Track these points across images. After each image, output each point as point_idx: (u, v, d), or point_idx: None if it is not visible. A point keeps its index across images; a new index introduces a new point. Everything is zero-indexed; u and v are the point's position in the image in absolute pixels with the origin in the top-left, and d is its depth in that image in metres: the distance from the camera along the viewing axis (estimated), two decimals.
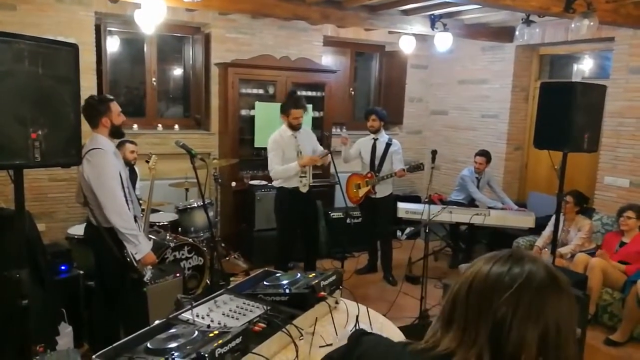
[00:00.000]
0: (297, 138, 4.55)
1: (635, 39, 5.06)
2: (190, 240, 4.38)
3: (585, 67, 6.19)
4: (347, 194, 5.24)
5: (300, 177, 4.57)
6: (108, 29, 5.58)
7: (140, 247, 3.06)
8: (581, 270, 4.32)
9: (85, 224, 3.29)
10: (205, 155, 5.03)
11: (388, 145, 5.17)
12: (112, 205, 2.94)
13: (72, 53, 2.04)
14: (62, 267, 3.50)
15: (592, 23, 3.99)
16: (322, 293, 2.16)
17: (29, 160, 1.89)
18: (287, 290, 2.16)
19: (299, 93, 5.92)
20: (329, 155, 4.65)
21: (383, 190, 5.18)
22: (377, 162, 5.18)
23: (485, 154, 5.86)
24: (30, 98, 1.88)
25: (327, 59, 6.89)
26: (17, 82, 1.84)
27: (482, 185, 5.90)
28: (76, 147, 2.06)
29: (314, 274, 2.37)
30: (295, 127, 4.51)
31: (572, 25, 4.04)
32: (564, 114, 3.52)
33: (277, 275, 2.41)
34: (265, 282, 2.32)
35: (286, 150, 4.51)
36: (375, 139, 5.21)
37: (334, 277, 2.32)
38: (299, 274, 2.35)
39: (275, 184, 4.68)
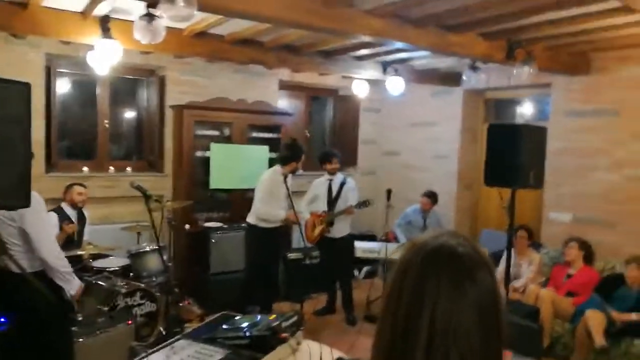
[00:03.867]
0: (286, 183, 4.76)
1: (570, 84, 5.46)
2: (143, 285, 4.22)
3: (526, 110, 6.57)
4: (306, 234, 5.24)
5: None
6: (58, 70, 5.47)
7: (74, 283, 3.15)
8: (532, 302, 4.46)
9: None
10: (159, 197, 4.92)
11: (342, 184, 5.27)
12: (48, 246, 2.95)
13: (23, 92, 1.97)
14: (1, 319, 3.26)
15: (531, 70, 4.28)
16: (284, 335, 2.13)
17: None
18: (248, 333, 2.11)
19: (252, 135, 6.04)
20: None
21: (341, 230, 5.22)
22: (332, 202, 5.24)
23: (430, 195, 6.01)
24: None
25: (283, 102, 7.00)
26: None
27: (430, 225, 6.00)
28: (25, 189, 1.97)
29: (274, 316, 2.32)
30: (293, 173, 4.85)
31: (514, 72, 4.32)
32: (511, 153, 3.70)
33: (236, 318, 2.35)
34: (224, 326, 2.25)
35: (277, 192, 4.78)
36: (331, 180, 5.30)
37: (295, 318, 2.28)
38: (258, 316, 2.30)
39: (250, 220, 4.83)
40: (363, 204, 5.12)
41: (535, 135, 3.91)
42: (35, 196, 2.80)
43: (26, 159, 1.98)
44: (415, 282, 0.89)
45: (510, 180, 3.80)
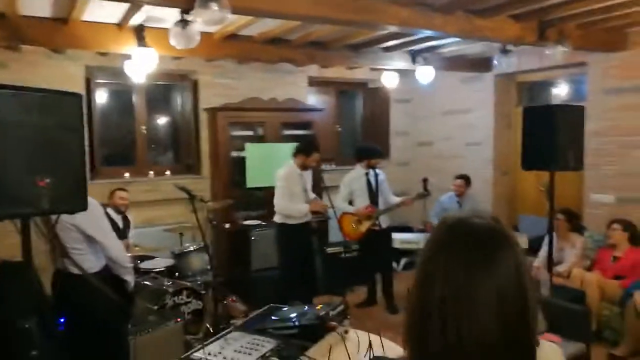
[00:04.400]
0: (303, 177, 4.75)
1: (607, 62, 5.31)
2: (189, 284, 4.35)
3: (561, 91, 6.43)
4: (344, 232, 5.22)
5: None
6: (97, 81, 5.69)
7: (133, 275, 3.35)
8: (578, 286, 4.38)
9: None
10: (203, 197, 5.07)
11: (376, 176, 5.28)
12: (114, 244, 3.11)
13: (76, 102, 2.10)
14: (61, 320, 3.44)
15: (565, 49, 4.19)
16: (332, 323, 2.18)
17: (37, 209, 1.92)
18: (297, 323, 2.17)
19: (285, 133, 6.11)
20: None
21: (384, 221, 5.25)
22: (375, 195, 5.24)
23: (463, 177, 5.96)
24: (38, 147, 1.92)
25: (313, 99, 7.06)
26: (25, 132, 1.89)
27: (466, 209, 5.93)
28: (82, 193, 2.10)
29: (321, 305, 2.38)
30: (307, 168, 4.76)
31: (547, 52, 4.24)
32: (548, 136, 3.65)
33: (284, 309, 2.42)
34: (273, 317, 2.32)
35: (293, 187, 4.70)
36: (367, 173, 5.29)
37: (341, 307, 2.34)
38: (306, 307, 2.37)
39: (276, 219, 4.79)
40: (422, 194, 5.12)
41: (571, 115, 3.84)
42: (92, 200, 2.94)
43: (81, 165, 2.10)
44: (429, 258, 0.89)
45: (549, 163, 3.75)
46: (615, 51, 5.17)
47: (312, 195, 4.94)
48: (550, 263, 4.04)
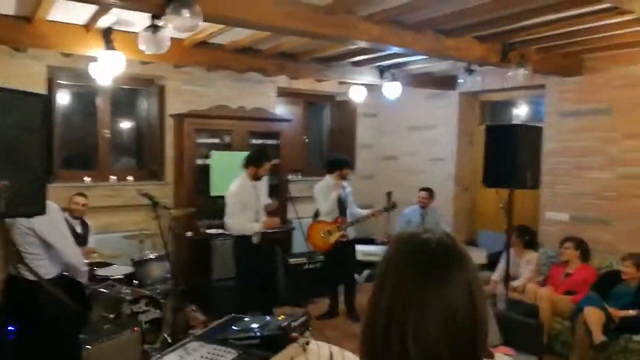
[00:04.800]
0: (256, 187, 4.70)
1: (563, 85, 5.55)
2: (148, 292, 4.25)
3: (521, 111, 6.67)
4: (311, 242, 5.23)
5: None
6: (59, 81, 5.54)
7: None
8: (532, 301, 4.53)
9: None
10: (166, 204, 4.98)
11: (344, 188, 5.33)
12: (72, 251, 3.05)
13: (39, 103, 2.05)
14: (11, 328, 3.30)
15: (526, 72, 4.37)
16: (294, 334, 2.18)
17: None
18: (259, 333, 2.16)
19: (252, 142, 6.09)
20: (274, 202, 4.90)
21: (351, 233, 5.29)
22: (343, 207, 5.28)
23: (427, 189, 6.13)
24: None
25: (281, 109, 7.08)
26: None
27: (429, 224, 6.07)
28: (41, 197, 2.04)
29: (283, 316, 2.38)
30: (259, 178, 4.67)
31: (509, 74, 4.41)
32: (509, 154, 3.80)
33: (246, 319, 2.41)
34: (234, 327, 2.30)
35: (247, 200, 4.62)
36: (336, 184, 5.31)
37: (303, 319, 2.34)
38: (267, 317, 2.36)
39: (233, 233, 4.74)
40: (392, 206, 5.17)
41: (531, 135, 4.01)
42: (51, 204, 2.85)
43: (41, 168, 2.04)
44: (382, 270, 0.90)
45: (508, 181, 3.90)
46: (572, 75, 5.42)
47: (268, 201, 4.92)
48: (507, 278, 4.17)
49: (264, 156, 4.70)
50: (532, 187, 4.04)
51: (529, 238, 5.18)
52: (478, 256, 5.50)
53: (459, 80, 5.51)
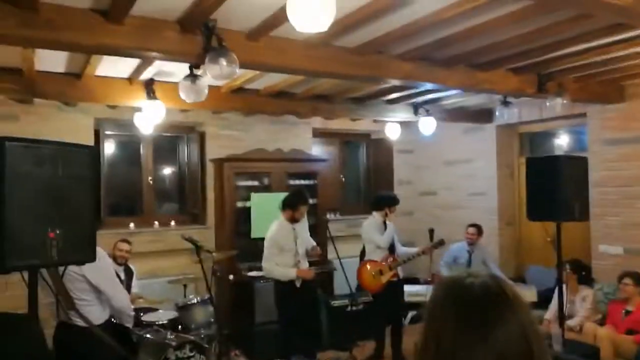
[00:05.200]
0: (296, 230, 4.67)
1: (605, 113, 5.41)
2: (192, 338, 4.25)
3: (562, 141, 6.51)
4: (362, 283, 5.09)
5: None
6: (106, 132, 5.80)
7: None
8: (591, 341, 4.27)
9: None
10: (209, 248, 5.04)
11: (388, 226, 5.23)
12: (121, 296, 3.15)
13: (88, 154, 2.14)
14: None
15: (565, 101, 4.29)
16: None
17: (46, 260, 1.92)
18: None
19: (290, 183, 6.14)
20: (318, 248, 4.78)
21: (400, 273, 5.17)
22: (392, 245, 5.14)
23: (475, 226, 5.94)
24: (49, 199, 1.95)
25: (317, 149, 7.16)
26: (37, 183, 1.92)
27: (476, 262, 5.86)
28: (91, 244, 2.10)
29: None
30: (297, 221, 4.64)
31: (547, 104, 4.34)
32: (552, 186, 3.67)
33: None
34: None
35: (284, 243, 4.60)
36: (384, 222, 5.17)
37: None
38: None
39: (270, 277, 4.73)
40: (439, 243, 5.03)
41: (575, 165, 3.88)
42: (99, 251, 2.94)
43: (91, 217, 2.11)
44: (427, 316, 0.87)
45: (554, 214, 3.75)
46: (613, 102, 5.28)
47: (312, 243, 4.87)
48: (562, 317, 3.96)
49: (300, 199, 4.67)
50: (581, 219, 3.87)
51: (582, 273, 4.93)
52: (528, 294, 5.25)
53: (495, 113, 5.44)
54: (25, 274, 2.04)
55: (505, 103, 5.12)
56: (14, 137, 1.91)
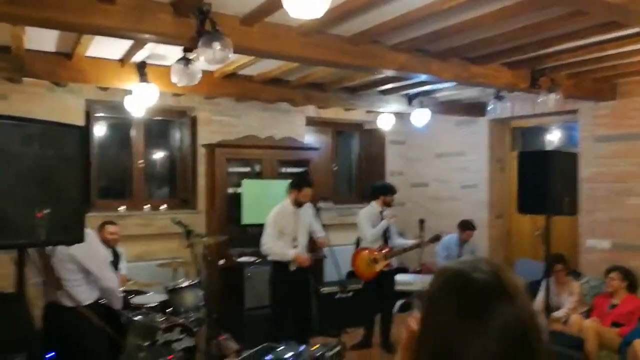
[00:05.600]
0: (298, 215, 4.71)
1: (597, 110, 5.44)
2: (182, 321, 4.26)
3: (554, 137, 6.55)
4: (356, 270, 5.15)
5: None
6: (96, 114, 5.75)
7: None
8: (576, 333, 4.33)
9: None
10: (199, 232, 5.03)
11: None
12: (109, 276, 3.12)
13: (77, 135, 2.12)
14: (50, 354, 3.35)
15: (557, 97, 4.31)
16: None
17: (34, 240, 1.90)
18: None
19: (282, 171, 6.14)
20: (326, 239, 4.79)
21: (393, 263, 5.21)
22: (386, 235, 5.20)
23: (472, 227, 5.98)
24: (37, 178, 1.93)
25: (310, 138, 7.15)
26: (25, 163, 1.90)
27: (465, 254, 5.96)
28: (79, 225, 2.09)
29: (317, 346, 2.35)
30: (300, 204, 4.69)
31: (539, 100, 4.36)
32: (543, 180, 3.70)
33: (280, 348, 2.39)
34: (268, 357, 2.29)
35: (286, 226, 4.66)
36: (382, 211, 5.24)
37: (338, 348, 2.31)
38: (301, 347, 2.34)
39: (269, 257, 4.76)
40: (435, 238, 5.06)
41: (566, 161, 3.91)
42: (88, 231, 2.93)
43: (80, 197, 2.10)
44: (426, 310, 0.87)
45: (544, 208, 3.78)
46: (605, 100, 5.31)
47: (322, 233, 4.88)
48: (548, 309, 4.01)
49: (305, 181, 4.75)
50: (570, 213, 3.91)
51: (568, 267, 4.99)
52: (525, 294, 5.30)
53: (488, 107, 5.45)
54: (14, 254, 2.03)
55: (499, 97, 5.13)
56: (1, 114, 1.89)
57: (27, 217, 1.88)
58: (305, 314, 4.87)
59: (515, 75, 4.52)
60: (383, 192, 5.31)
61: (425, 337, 0.85)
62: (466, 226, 5.96)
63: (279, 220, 4.65)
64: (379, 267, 5.09)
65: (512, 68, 4.49)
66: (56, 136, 2.01)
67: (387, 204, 5.27)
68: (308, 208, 4.89)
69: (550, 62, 4.32)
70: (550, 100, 4.35)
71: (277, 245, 4.64)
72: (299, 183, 4.73)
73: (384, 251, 5.12)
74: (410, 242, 5.30)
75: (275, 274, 4.77)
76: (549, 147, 6.36)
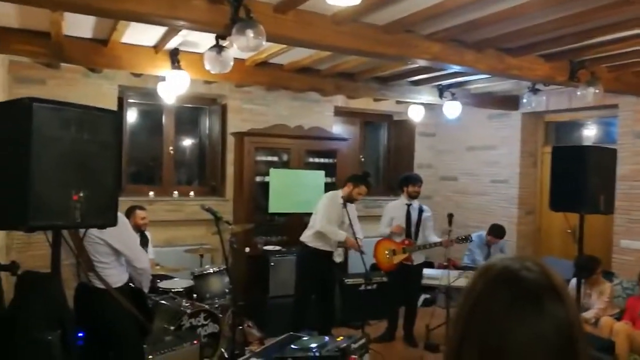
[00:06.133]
0: (345, 209, 4.73)
1: (638, 104, 5.24)
2: (207, 307, 4.32)
3: (590, 132, 6.35)
4: (376, 259, 5.14)
5: (339, 245, 4.80)
6: (129, 100, 5.83)
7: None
8: (606, 335, 4.22)
9: None
10: (228, 220, 5.08)
11: (420, 211, 5.20)
12: (141, 256, 3.18)
13: (113, 119, 2.15)
14: (81, 334, 3.44)
15: (597, 91, 4.16)
16: (353, 356, 2.14)
17: (70, 222, 1.94)
18: (317, 353, 2.14)
19: (310, 161, 6.14)
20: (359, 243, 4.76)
21: (418, 258, 5.16)
22: (413, 229, 5.14)
23: (500, 234, 5.91)
24: (74, 162, 1.96)
25: (338, 128, 7.11)
26: (63, 146, 1.93)
27: (494, 253, 5.88)
28: (113, 209, 2.12)
29: (341, 337, 2.34)
30: (351, 200, 4.74)
31: (578, 93, 4.21)
32: (578, 177, 3.58)
33: (304, 338, 2.39)
34: (292, 346, 2.29)
35: (333, 214, 4.73)
36: (409, 205, 5.20)
37: (363, 341, 2.30)
38: (326, 337, 2.33)
39: (305, 239, 4.81)
40: (465, 239, 5.00)
41: (604, 157, 3.77)
42: (120, 216, 2.98)
43: (114, 181, 2.13)
44: (471, 306, 0.85)
45: (578, 205, 3.67)
46: None
47: (360, 235, 4.83)
48: (579, 309, 3.91)
49: (364, 179, 4.78)
50: (606, 212, 3.77)
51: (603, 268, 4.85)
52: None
53: (522, 100, 5.30)
54: (49, 235, 2.08)
55: (534, 90, 4.99)
56: (41, 98, 1.92)
57: (64, 199, 1.91)
58: (328, 305, 4.88)
59: (553, 67, 4.39)
60: (405, 183, 5.27)
61: (471, 333, 0.83)
62: (497, 234, 5.88)
63: (330, 207, 4.72)
64: (397, 259, 5.07)
65: (550, 60, 4.35)
66: (92, 120, 2.03)
67: (411, 196, 5.21)
68: (353, 207, 4.87)
69: (591, 54, 4.17)
70: (589, 94, 4.20)
71: (332, 225, 4.68)
72: (358, 179, 4.78)
73: (405, 243, 5.08)
74: (436, 239, 5.20)
75: (304, 257, 4.79)
76: (584, 143, 6.17)
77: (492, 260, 0.91)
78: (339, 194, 4.78)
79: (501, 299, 0.82)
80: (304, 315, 4.73)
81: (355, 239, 4.69)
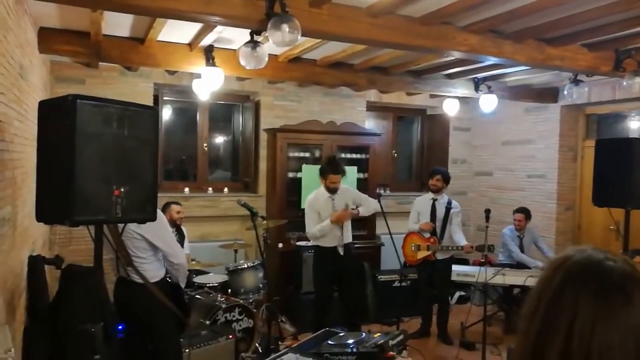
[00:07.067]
0: (334, 200, 4.68)
1: None
2: (242, 301, 4.36)
3: (635, 125, 6.10)
4: (403, 251, 5.13)
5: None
6: (164, 98, 5.93)
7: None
8: None
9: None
10: (263, 215, 5.11)
11: (448, 208, 5.12)
12: (178, 252, 3.20)
13: (152, 116, 2.17)
14: (120, 327, 3.52)
15: None
16: (391, 353, 2.11)
17: (111, 217, 1.97)
18: (354, 349, 2.11)
19: (342, 156, 6.10)
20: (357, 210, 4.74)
21: (444, 253, 5.10)
22: (438, 225, 5.08)
23: (522, 211, 5.76)
24: (115, 157, 1.99)
25: (370, 123, 7.05)
26: (105, 142, 1.96)
27: (527, 245, 5.73)
28: (152, 204, 2.15)
29: (379, 334, 2.32)
30: (332, 191, 4.66)
31: (624, 84, 4.05)
32: (624, 171, 3.45)
33: (341, 334, 2.37)
34: (329, 342, 2.28)
35: (322, 211, 4.66)
36: (435, 199, 5.14)
37: (401, 337, 2.26)
38: (363, 334, 2.31)
39: (314, 243, 4.82)
40: (488, 248, 4.89)
41: None
42: (157, 211, 3.03)
43: (153, 177, 2.15)
44: (552, 297, 0.82)
45: (624, 200, 3.54)
46: None
47: (363, 208, 4.82)
48: None
49: (329, 168, 4.66)
50: None
51: None
52: None
53: (564, 92, 5.13)
54: (92, 230, 2.12)
55: (576, 81, 4.81)
56: (85, 95, 1.96)
57: (106, 194, 1.95)
58: (355, 301, 4.86)
59: (597, 57, 4.22)
60: (429, 175, 5.24)
61: (553, 327, 0.80)
62: (526, 213, 5.71)
63: (314, 204, 4.68)
64: (421, 255, 5.06)
65: (593, 49, 4.19)
66: (132, 117, 2.06)
67: (431, 189, 5.17)
68: (348, 191, 4.83)
69: (637, 42, 3.99)
70: (636, 85, 4.03)
71: (317, 226, 4.63)
72: (322, 171, 4.70)
73: (431, 240, 5.05)
74: (460, 243, 5.04)
75: (314, 257, 4.81)
76: (629, 136, 5.93)
77: (567, 251, 0.88)
78: (320, 191, 4.71)
79: (587, 290, 0.79)
80: (324, 314, 4.72)
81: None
